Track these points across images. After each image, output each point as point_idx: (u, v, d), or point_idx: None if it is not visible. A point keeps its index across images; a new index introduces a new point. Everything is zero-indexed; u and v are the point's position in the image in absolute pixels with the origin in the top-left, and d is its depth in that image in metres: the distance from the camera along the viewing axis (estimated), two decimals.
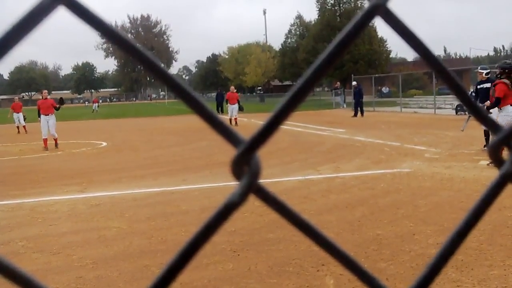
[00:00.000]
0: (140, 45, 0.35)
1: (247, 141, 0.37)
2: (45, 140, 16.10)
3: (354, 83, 30.75)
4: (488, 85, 11.64)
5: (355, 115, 28.01)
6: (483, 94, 11.73)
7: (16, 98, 26.67)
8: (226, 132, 0.37)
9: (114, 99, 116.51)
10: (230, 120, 23.87)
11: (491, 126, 0.44)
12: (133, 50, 0.35)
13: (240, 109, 24.31)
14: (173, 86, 0.36)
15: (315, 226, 0.41)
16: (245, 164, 0.37)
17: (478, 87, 12.03)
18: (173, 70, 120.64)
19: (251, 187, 0.37)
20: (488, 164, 9.24)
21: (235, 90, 26.50)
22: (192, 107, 0.36)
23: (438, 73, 0.42)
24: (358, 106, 28.55)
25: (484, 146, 11.45)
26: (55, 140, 16.27)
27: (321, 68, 0.36)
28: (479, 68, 12.45)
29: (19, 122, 24.22)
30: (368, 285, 0.44)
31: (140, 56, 0.35)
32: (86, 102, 55.05)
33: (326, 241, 0.42)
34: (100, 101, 53.60)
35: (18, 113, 24.37)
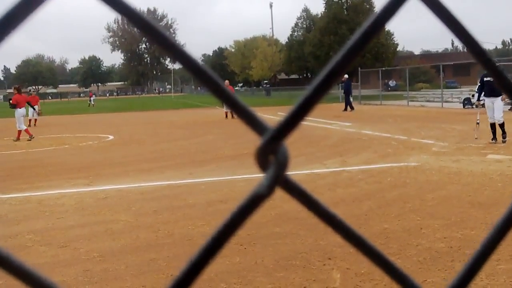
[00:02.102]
0: (158, 25, 0.33)
1: (274, 128, 0.34)
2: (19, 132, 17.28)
3: (345, 76, 30.30)
4: None
5: (347, 109, 27.59)
6: (490, 87, 11.60)
7: (32, 92, 26.76)
8: (250, 119, 0.35)
9: (115, 93, 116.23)
10: (226, 113, 23.93)
11: None
12: (151, 30, 0.33)
13: None
14: (196, 70, 0.34)
15: (347, 222, 0.39)
16: (271, 153, 0.34)
17: (485, 79, 11.86)
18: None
19: (279, 178, 0.34)
20: None
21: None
22: (215, 92, 0.34)
23: (474, 54, 0.39)
24: (347, 99, 28.26)
25: (492, 139, 11.38)
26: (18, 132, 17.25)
27: (355, 49, 0.34)
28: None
29: (32, 116, 24.31)
30: (400, 283, 0.42)
31: (157, 35, 0.33)
32: (94, 96, 55.63)
33: (357, 238, 0.40)
34: (94, 96, 53.51)
35: (34, 106, 24.42)
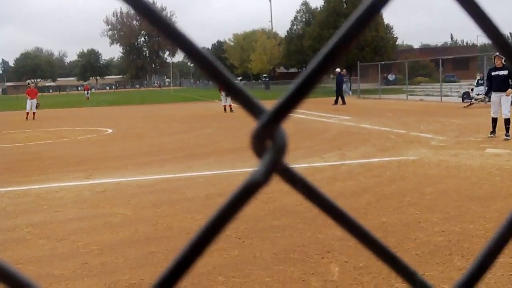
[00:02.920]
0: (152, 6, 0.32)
1: (270, 111, 0.33)
2: None
3: (337, 70, 30.01)
4: (504, 72, 11.37)
5: (344, 102, 27.52)
6: (498, 81, 11.43)
7: (31, 85, 26.58)
8: (245, 101, 0.33)
9: (114, 86, 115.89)
10: (225, 107, 23.73)
11: None
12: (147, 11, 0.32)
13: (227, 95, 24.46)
14: (190, 50, 0.33)
15: (347, 212, 0.38)
16: (268, 137, 0.32)
17: (493, 73, 11.63)
18: (179, 57, 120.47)
19: (276, 164, 0.32)
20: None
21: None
22: (210, 73, 0.33)
23: (500, 47, 0.38)
24: (340, 93, 28.15)
25: (491, 132, 11.31)
26: None
27: (354, 29, 0.33)
28: (498, 52, 12.03)
29: (31, 108, 24.19)
30: (406, 278, 0.41)
31: (152, 16, 0.32)
32: (93, 89, 55.40)
33: (359, 228, 0.39)
34: (93, 89, 53.24)
35: (32, 99, 24.29)
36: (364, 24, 0.33)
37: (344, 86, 40.95)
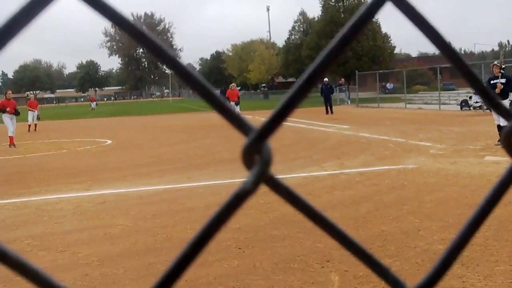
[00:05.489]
0: (149, 32, 0.34)
1: (258, 129, 0.36)
2: (11, 138, 16.63)
3: (325, 79, 30.10)
4: (502, 80, 11.46)
5: (327, 112, 27.60)
6: (495, 89, 11.49)
7: (31, 96, 26.61)
8: (236, 121, 0.37)
9: (113, 98, 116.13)
10: None
11: (504, 113, 0.45)
12: (142, 37, 0.35)
13: (236, 104, 24.68)
14: (183, 74, 0.36)
15: (327, 216, 0.41)
16: (256, 152, 0.36)
17: (492, 82, 11.69)
18: None
19: (263, 175, 0.36)
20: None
21: (239, 88, 26.70)
22: (202, 95, 0.36)
23: (451, 61, 0.41)
24: (329, 102, 28.30)
25: (498, 141, 11.33)
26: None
27: (331, 56, 0.36)
28: (496, 62, 12.09)
29: (32, 120, 24.22)
30: (382, 277, 0.44)
31: (149, 43, 0.35)
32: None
33: (339, 232, 0.42)
34: (99, 99, 54.05)
35: (34, 111, 24.33)
36: (344, 46, 0.36)
37: (343, 95, 41.17)
